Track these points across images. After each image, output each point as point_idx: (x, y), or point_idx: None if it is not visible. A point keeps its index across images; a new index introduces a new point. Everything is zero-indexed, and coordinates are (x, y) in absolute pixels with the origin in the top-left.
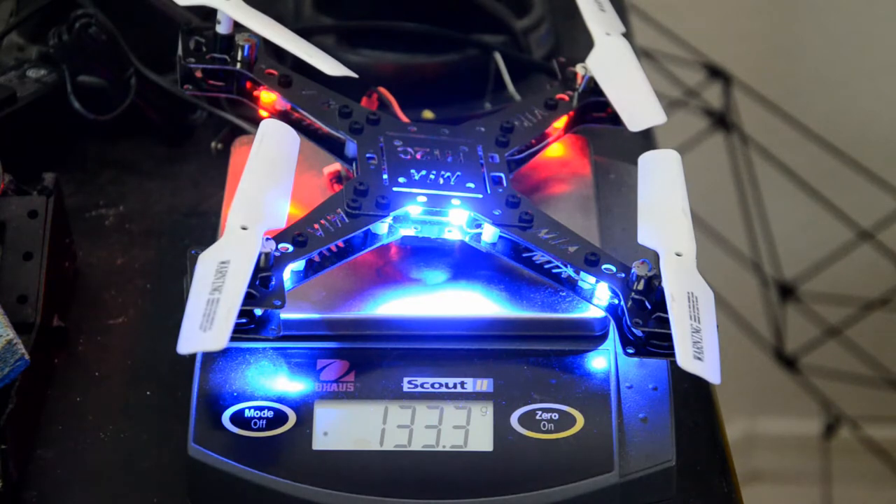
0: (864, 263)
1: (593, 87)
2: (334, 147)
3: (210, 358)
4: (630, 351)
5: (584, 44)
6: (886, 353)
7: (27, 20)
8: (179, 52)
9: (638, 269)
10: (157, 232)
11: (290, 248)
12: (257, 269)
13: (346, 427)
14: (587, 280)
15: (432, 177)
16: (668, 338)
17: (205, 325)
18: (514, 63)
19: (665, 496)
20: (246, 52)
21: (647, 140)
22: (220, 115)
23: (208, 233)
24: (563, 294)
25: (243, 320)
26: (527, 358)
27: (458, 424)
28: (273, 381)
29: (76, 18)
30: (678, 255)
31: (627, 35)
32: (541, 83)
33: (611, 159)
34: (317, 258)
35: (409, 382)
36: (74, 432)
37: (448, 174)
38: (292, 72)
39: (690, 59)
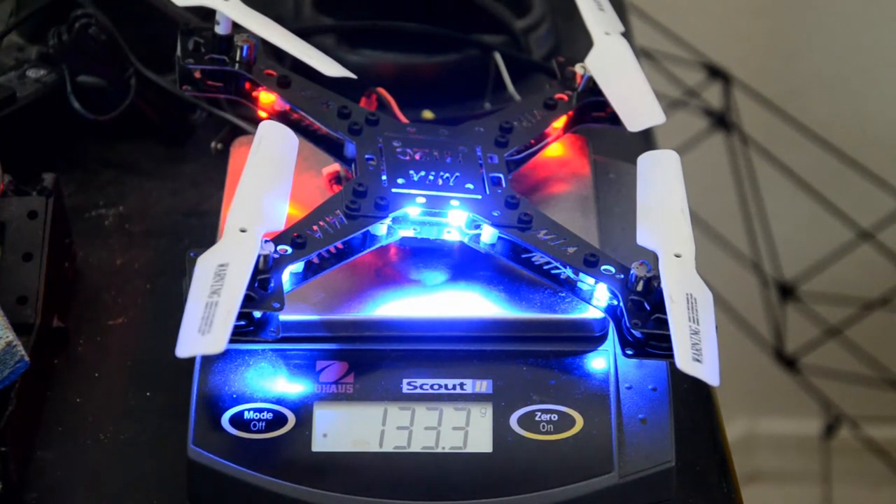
0: (864, 263)
1: (592, 87)
2: (333, 148)
3: (209, 360)
4: (629, 352)
5: (584, 44)
6: (886, 353)
7: (27, 20)
8: (178, 52)
9: (637, 270)
10: (156, 232)
11: (289, 249)
12: (256, 271)
13: (346, 429)
14: (586, 281)
15: (431, 178)
16: (667, 339)
17: (203, 329)
18: (513, 63)
19: (664, 497)
20: (245, 53)
21: (646, 140)
22: (219, 115)
23: (208, 233)
24: (562, 295)
25: (242, 322)
26: (526, 359)
27: (458, 426)
28: (272, 382)
29: (76, 18)
30: (677, 256)
31: (627, 35)
32: (540, 83)
33: (610, 159)
34: (316, 260)
35: (409, 384)
36: (74, 433)
37: (447, 175)
38: (291, 72)
39: (690, 59)
